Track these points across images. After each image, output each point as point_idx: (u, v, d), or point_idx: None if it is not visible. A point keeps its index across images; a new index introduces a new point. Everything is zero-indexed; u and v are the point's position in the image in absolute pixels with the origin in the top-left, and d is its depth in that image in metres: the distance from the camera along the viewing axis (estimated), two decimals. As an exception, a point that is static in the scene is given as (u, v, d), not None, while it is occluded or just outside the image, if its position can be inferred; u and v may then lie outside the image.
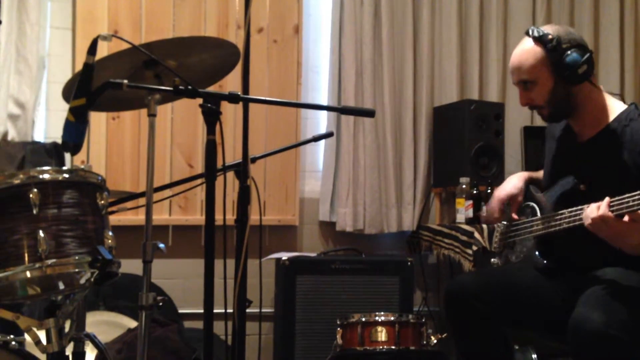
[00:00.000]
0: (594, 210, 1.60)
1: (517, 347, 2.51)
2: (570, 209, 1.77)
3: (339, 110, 1.74)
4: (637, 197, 1.53)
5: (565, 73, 1.81)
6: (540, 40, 1.84)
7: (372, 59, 3.33)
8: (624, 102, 1.93)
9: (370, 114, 1.67)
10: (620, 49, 3.58)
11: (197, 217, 3.11)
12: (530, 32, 1.88)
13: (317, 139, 2.12)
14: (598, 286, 1.69)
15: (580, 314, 1.58)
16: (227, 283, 1.72)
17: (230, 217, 1.78)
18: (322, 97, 3.43)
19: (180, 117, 3.16)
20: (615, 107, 1.89)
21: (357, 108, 1.83)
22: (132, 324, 2.71)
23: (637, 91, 3.60)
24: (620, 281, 1.72)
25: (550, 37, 1.82)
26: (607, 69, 3.58)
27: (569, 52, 1.80)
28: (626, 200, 1.56)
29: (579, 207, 1.71)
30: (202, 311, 1.58)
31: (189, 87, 1.54)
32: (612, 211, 1.57)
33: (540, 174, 2.15)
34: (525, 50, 1.88)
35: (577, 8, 3.61)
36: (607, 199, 1.59)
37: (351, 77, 3.31)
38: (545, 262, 1.90)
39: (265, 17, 3.28)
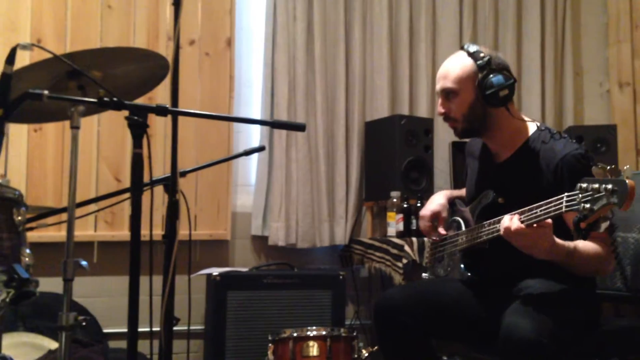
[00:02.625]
0: (507, 221, 1.67)
1: (444, 358, 2.55)
2: (489, 221, 1.83)
3: (270, 124, 1.72)
4: (544, 207, 1.60)
5: (487, 92, 1.87)
6: (473, 55, 1.91)
7: (305, 74, 3.35)
8: (542, 122, 2.01)
9: (300, 128, 1.66)
10: (541, 69, 3.73)
11: (125, 233, 3.02)
12: (466, 47, 1.95)
13: (248, 152, 2.11)
14: (524, 298, 1.74)
15: (510, 323, 1.62)
16: (154, 300, 1.67)
17: (160, 233, 1.74)
18: (255, 111, 3.42)
19: (107, 130, 3.07)
20: (527, 129, 1.96)
21: (288, 122, 1.82)
22: (53, 345, 2.58)
23: (557, 110, 3.77)
24: (543, 292, 1.78)
25: (482, 55, 1.89)
26: (529, 89, 3.72)
27: (496, 73, 1.86)
28: (534, 211, 1.63)
29: (497, 219, 1.77)
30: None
31: (114, 98, 1.50)
32: (523, 222, 1.64)
33: (462, 191, 2.22)
34: (457, 60, 1.95)
35: (501, 29, 3.75)
36: (517, 214, 1.66)
37: (284, 92, 3.31)
38: (469, 274, 1.94)
39: (197, 30, 3.24)
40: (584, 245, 1.72)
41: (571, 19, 3.86)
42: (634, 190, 1.37)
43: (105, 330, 2.96)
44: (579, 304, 1.79)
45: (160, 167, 2.92)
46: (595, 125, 3.48)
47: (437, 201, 2.12)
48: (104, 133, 3.08)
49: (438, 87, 1.98)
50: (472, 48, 1.92)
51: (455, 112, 1.95)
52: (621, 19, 3.76)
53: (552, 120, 3.70)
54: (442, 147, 3.48)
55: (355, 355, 2.39)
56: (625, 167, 1.41)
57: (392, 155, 3.18)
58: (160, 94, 2.82)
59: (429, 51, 3.60)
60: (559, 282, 1.80)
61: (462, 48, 1.96)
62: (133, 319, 1.50)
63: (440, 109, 1.98)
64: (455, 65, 1.94)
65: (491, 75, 1.86)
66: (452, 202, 2.13)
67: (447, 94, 1.95)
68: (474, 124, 1.94)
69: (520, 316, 1.63)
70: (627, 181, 1.38)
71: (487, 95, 1.87)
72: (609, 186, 1.39)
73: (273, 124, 1.70)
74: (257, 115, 3.38)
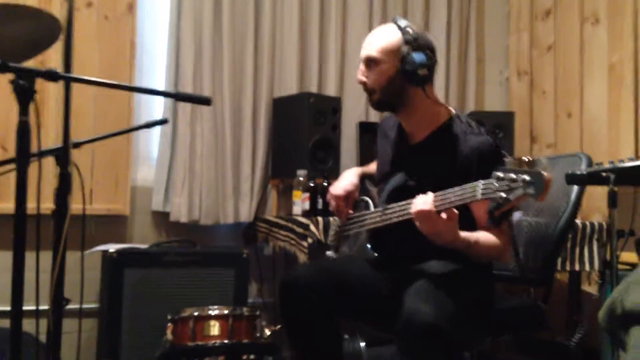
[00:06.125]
0: (419, 203, 1.68)
1: (346, 337, 2.58)
2: (400, 203, 1.83)
3: (173, 96, 1.62)
4: (458, 193, 1.62)
5: (407, 67, 1.86)
6: (402, 29, 1.89)
7: (212, 45, 3.23)
8: (448, 106, 2.03)
9: (206, 102, 1.58)
10: (446, 54, 3.82)
11: (10, 206, 2.79)
12: (396, 20, 1.93)
13: (149, 125, 2.00)
14: (425, 279, 1.77)
15: (411, 307, 1.63)
16: (43, 278, 1.56)
17: (51, 207, 1.62)
18: (159, 81, 3.27)
19: (-7, 95, 2.83)
20: (444, 114, 1.97)
21: (193, 95, 1.73)
22: None
23: (460, 95, 3.87)
24: (445, 274, 1.82)
25: (411, 31, 1.88)
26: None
27: (419, 51, 1.86)
28: (447, 196, 1.64)
29: (408, 202, 1.77)
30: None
31: (-3, 60, 1.36)
32: (436, 206, 1.65)
33: (371, 168, 2.22)
34: (385, 31, 1.93)
35: (410, 10, 3.78)
36: (431, 195, 1.67)
37: (189, 63, 3.18)
38: (375, 254, 1.95)
39: (95, -9, 3.04)
40: (485, 239, 1.77)
41: (476, 6, 3.97)
42: (550, 182, 1.41)
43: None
44: (476, 285, 1.85)
45: (54, 138, 2.72)
46: (495, 112, 3.62)
47: (350, 180, 2.11)
48: (-11, 98, 2.83)
49: (362, 54, 1.96)
50: (402, 22, 1.91)
51: (374, 82, 1.93)
52: (522, 9, 3.91)
53: (455, 105, 3.80)
54: (350, 126, 3.49)
55: (258, 334, 2.37)
56: (542, 159, 1.45)
57: (299, 133, 3.14)
58: (54, 59, 2.63)
59: (339, 30, 3.58)
60: (460, 263, 1.85)
61: (393, 21, 1.95)
62: (18, 297, 1.38)
63: (360, 77, 1.96)
64: (383, 36, 1.92)
65: (414, 52, 1.85)
66: (361, 181, 2.12)
67: (369, 62, 1.93)
68: (390, 97, 1.93)
69: (420, 300, 1.65)
70: (543, 173, 1.41)
71: (406, 71, 1.86)
72: (526, 177, 1.42)
73: (177, 96, 1.61)
74: (161, 87, 3.23)
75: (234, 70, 3.29)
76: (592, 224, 2.84)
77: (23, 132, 1.39)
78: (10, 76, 1.42)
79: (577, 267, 2.80)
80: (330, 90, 3.51)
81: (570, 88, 3.54)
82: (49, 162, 1.67)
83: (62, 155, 1.59)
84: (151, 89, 3.12)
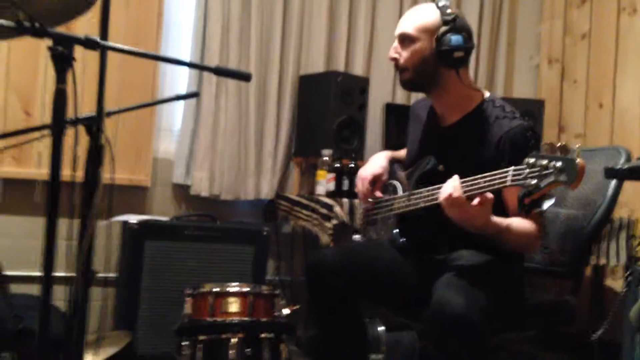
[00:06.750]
0: (447, 189, 1.63)
1: (366, 320, 2.56)
2: (428, 188, 1.78)
3: (213, 70, 1.57)
4: (487, 179, 1.57)
5: (442, 48, 1.81)
6: (441, 9, 1.85)
7: (240, 19, 3.18)
8: (483, 90, 1.97)
9: (246, 77, 1.54)
10: (477, 37, 3.73)
11: (32, 171, 2.80)
12: (436, 0, 1.88)
13: (181, 97, 1.96)
14: (455, 270, 1.72)
15: (442, 298, 1.59)
16: (63, 245, 1.54)
17: (70, 174, 1.59)
18: (184, 53, 3.22)
19: (18, 59, 2.80)
20: (478, 98, 1.92)
21: (232, 70, 1.68)
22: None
23: (488, 80, 3.79)
24: (476, 265, 1.78)
25: (450, 11, 1.83)
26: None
27: (457, 32, 1.81)
28: (477, 181, 1.59)
29: (437, 187, 1.72)
30: (31, 274, 1.39)
31: (36, 24, 1.32)
32: (465, 192, 1.60)
33: (401, 153, 2.17)
34: (424, 9, 1.89)
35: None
36: (459, 180, 1.62)
37: (216, 36, 3.13)
38: (403, 240, 1.92)
39: (123, -42, 2.98)
40: (517, 225, 1.72)
41: (510, -11, 3.88)
42: (583, 169, 1.35)
43: (5, 273, 2.74)
44: (508, 277, 1.81)
45: (79, 105, 2.70)
46: (525, 99, 3.54)
47: (378, 163, 2.07)
48: (14, 62, 2.81)
49: (397, 31, 1.91)
50: (442, 2, 1.86)
51: (407, 61, 1.88)
52: (556, -5, 3.81)
53: (483, 89, 3.73)
54: (376, 107, 3.43)
55: (276, 313, 2.36)
56: (576, 146, 1.39)
57: (325, 112, 3.09)
58: (80, 25, 2.58)
59: (369, 10, 3.50)
60: (491, 254, 1.81)
61: (432, 0, 1.90)
62: (49, 265, 1.36)
63: (393, 54, 1.91)
64: (421, 14, 1.88)
65: (451, 33, 1.80)
66: (391, 164, 2.08)
67: (403, 40, 1.88)
68: (421, 78, 1.89)
69: (451, 290, 1.61)
70: (577, 160, 1.36)
71: (441, 52, 1.81)
72: (558, 164, 1.37)
73: (216, 71, 1.56)
74: (186, 58, 3.18)
75: (261, 46, 3.24)
76: (620, 219, 2.79)
77: (60, 100, 1.35)
78: (37, 41, 1.37)
79: (602, 262, 2.76)
80: (358, 70, 3.45)
81: (603, 78, 3.45)
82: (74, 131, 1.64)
83: (95, 127, 1.55)
84: (190, 62, 3.04)
